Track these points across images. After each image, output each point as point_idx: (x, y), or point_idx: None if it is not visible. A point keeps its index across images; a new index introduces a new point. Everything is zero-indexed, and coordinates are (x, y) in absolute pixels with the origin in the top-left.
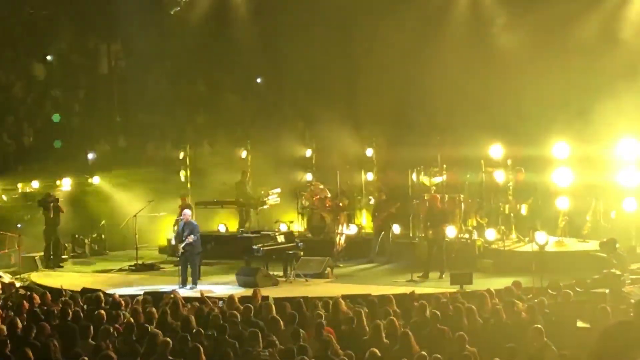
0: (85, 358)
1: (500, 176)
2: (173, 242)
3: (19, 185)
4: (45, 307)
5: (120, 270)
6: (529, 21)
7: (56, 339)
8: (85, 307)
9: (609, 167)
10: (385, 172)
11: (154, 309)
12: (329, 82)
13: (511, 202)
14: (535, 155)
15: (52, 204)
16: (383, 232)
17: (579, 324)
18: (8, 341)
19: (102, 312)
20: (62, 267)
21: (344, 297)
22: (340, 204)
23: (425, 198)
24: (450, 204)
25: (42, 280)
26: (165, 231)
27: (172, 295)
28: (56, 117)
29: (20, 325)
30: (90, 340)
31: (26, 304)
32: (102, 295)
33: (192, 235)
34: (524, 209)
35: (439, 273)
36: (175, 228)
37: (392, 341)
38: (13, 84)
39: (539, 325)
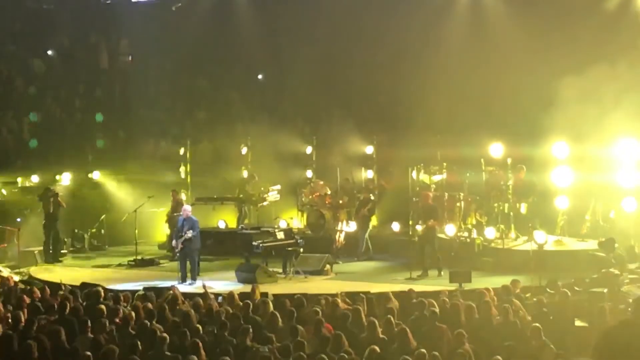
0: (88, 353)
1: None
2: (174, 240)
3: (19, 179)
4: (44, 302)
5: (120, 265)
6: (529, 20)
7: (54, 333)
8: (84, 302)
9: (609, 167)
10: (387, 169)
11: (152, 305)
12: (330, 80)
13: (511, 200)
14: (534, 155)
15: (52, 199)
16: (360, 230)
17: (577, 323)
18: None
19: (102, 307)
20: (61, 261)
21: (342, 294)
22: (340, 201)
23: (415, 199)
24: (450, 202)
25: (41, 275)
26: (165, 227)
27: (171, 291)
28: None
29: (22, 319)
30: (89, 334)
31: (26, 298)
32: (101, 290)
33: (190, 231)
34: (523, 208)
35: (437, 271)
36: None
37: (389, 338)
38: (13, 78)
39: (537, 324)
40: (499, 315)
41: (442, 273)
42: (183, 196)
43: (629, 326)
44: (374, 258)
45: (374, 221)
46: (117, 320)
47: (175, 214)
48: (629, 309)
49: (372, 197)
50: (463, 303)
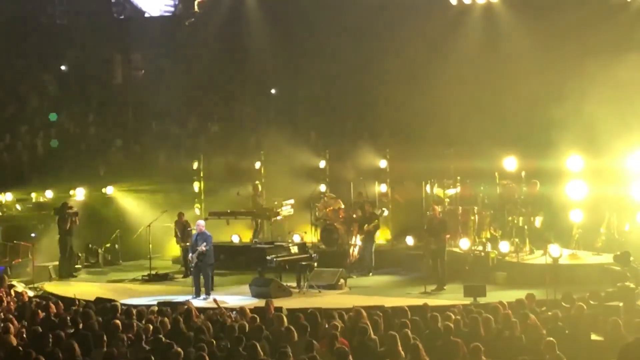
0: None
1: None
2: (189, 255)
3: (33, 195)
4: (59, 316)
5: (134, 280)
6: (542, 32)
7: (68, 348)
8: (99, 316)
9: (623, 180)
10: (400, 183)
11: (166, 319)
12: (343, 94)
13: (525, 214)
14: (549, 168)
15: (68, 215)
16: (367, 244)
17: (593, 337)
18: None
19: (117, 321)
20: (75, 276)
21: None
22: (354, 215)
23: (429, 213)
24: (465, 215)
25: (55, 290)
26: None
27: (185, 306)
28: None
29: (37, 334)
30: (104, 349)
31: (40, 313)
32: (118, 304)
33: (204, 244)
34: (537, 222)
35: (439, 285)
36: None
37: (406, 353)
38: (27, 93)
39: (552, 339)
40: (513, 330)
41: (445, 288)
42: (197, 211)
43: None
44: (374, 273)
45: (387, 235)
46: (131, 335)
47: (184, 244)
48: None
49: (382, 212)
50: (482, 315)
